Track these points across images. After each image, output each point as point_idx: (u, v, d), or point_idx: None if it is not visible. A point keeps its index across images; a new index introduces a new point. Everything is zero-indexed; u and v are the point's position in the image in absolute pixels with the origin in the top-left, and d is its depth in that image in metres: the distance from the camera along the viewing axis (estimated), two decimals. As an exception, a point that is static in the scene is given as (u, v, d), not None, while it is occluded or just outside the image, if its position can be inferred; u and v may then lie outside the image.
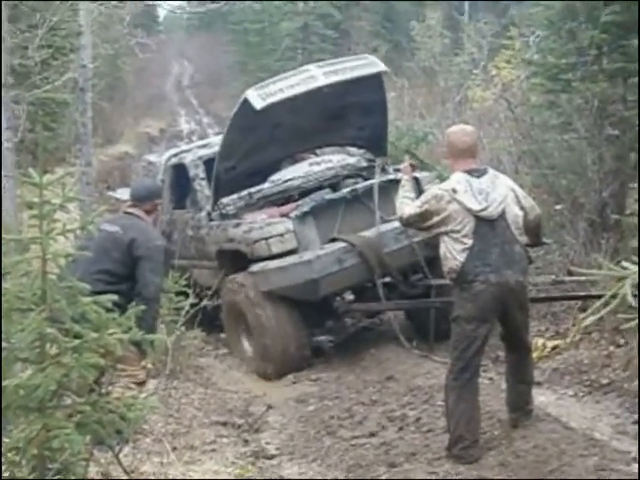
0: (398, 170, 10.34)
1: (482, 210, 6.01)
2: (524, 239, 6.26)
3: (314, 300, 9.34)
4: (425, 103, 20.89)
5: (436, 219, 6.11)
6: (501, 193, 6.10)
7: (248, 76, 34.60)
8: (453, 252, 6.06)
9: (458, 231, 6.03)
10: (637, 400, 6.94)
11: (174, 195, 11.41)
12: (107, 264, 6.96)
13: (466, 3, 35.41)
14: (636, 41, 9.17)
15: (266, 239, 9.32)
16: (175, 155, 11.71)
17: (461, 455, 6.10)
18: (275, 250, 9.30)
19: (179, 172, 11.22)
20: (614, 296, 4.60)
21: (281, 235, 9.31)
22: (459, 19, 32.20)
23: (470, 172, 6.13)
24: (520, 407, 6.45)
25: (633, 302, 4.47)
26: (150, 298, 6.96)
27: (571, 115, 10.30)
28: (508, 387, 6.56)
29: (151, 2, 18.52)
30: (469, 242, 6.01)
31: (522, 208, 6.22)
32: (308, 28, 35.10)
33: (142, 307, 4.95)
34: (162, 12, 58.54)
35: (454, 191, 6.05)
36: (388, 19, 40.19)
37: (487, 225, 6.03)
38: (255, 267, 9.43)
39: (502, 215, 6.07)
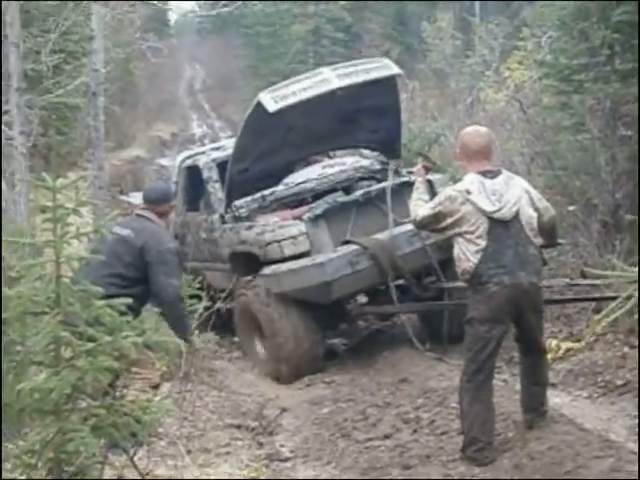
0: (411, 173, 10.35)
1: (496, 211, 5.99)
2: (538, 240, 6.23)
3: (326, 303, 9.33)
4: (437, 105, 20.90)
5: (450, 220, 6.09)
6: (515, 194, 6.07)
7: (260, 80, 34.63)
8: (467, 253, 6.04)
9: (472, 232, 6.01)
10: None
11: (188, 197, 11.43)
12: (119, 268, 6.96)
13: (477, 5, 35.36)
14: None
15: (279, 241, 9.32)
16: (189, 157, 11.72)
17: (475, 457, 6.07)
18: (288, 253, 9.30)
19: (193, 174, 11.23)
20: (629, 297, 4.60)
21: (294, 238, 9.31)
22: (470, 21, 32.21)
23: (484, 173, 6.11)
24: (535, 408, 6.41)
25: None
26: (170, 301, 6.98)
27: (584, 116, 10.28)
28: (522, 388, 6.53)
29: (161, 3, 18.55)
30: (483, 243, 5.98)
31: (536, 209, 6.19)
32: (319, 31, 35.15)
33: (157, 311, 4.96)
34: (173, 16, 58.85)
35: (468, 192, 6.04)
36: (399, 21, 40.17)
37: (501, 226, 6.01)
38: (267, 269, 9.43)
39: (516, 216, 6.04)
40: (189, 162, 11.51)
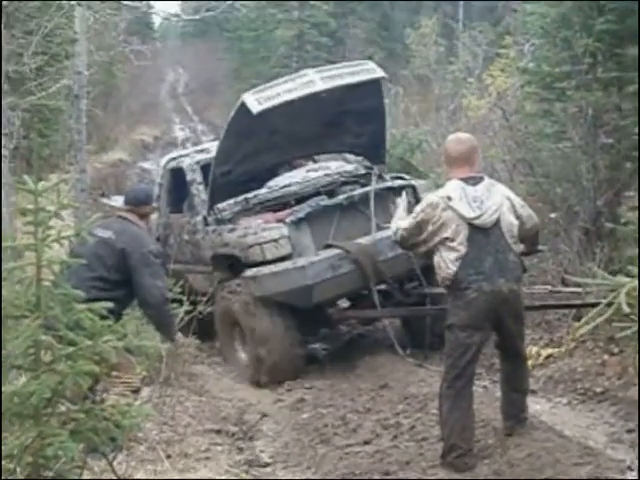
0: (395, 178, 10.37)
1: (476, 218, 5.99)
2: (519, 247, 6.24)
3: (307, 306, 9.33)
4: (420, 111, 20.93)
5: (431, 228, 6.09)
6: (496, 201, 6.08)
7: (243, 83, 34.55)
8: (447, 261, 6.05)
9: (452, 239, 6.01)
10: (633, 408, 6.95)
11: (171, 199, 11.39)
12: (101, 271, 6.93)
13: (461, 11, 35.49)
14: (631, 50, 9.20)
15: (260, 244, 9.30)
16: (174, 159, 11.69)
17: (455, 463, 6.08)
18: (269, 255, 9.28)
19: (177, 176, 11.20)
20: (609, 305, 4.61)
21: (276, 240, 9.29)
22: (454, 27, 32.28)
23: (466, 180, 6.12)
24: (514, 415, 6.42)
25: (628, 311, 4.47)
26: (156, 302, 6.95)
27: (566, 124, 10.32)
28: (502, 395, 6.54)
29: (145, 4, 18.54)
30: (463, 250, 5.99)
31: (518, 217, 6.20)
32: (303, 36, 35.13)
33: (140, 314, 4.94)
34: (157, 19, 58.59)
35: (449, 198, 6.04)
36: (383, 27, 40.22)
37: (481, 233, 6.02)
38: (249, 272, 9.41)
39: (497, 223, 6.05)
40: (173, 164, 11.48)
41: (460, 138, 6.42)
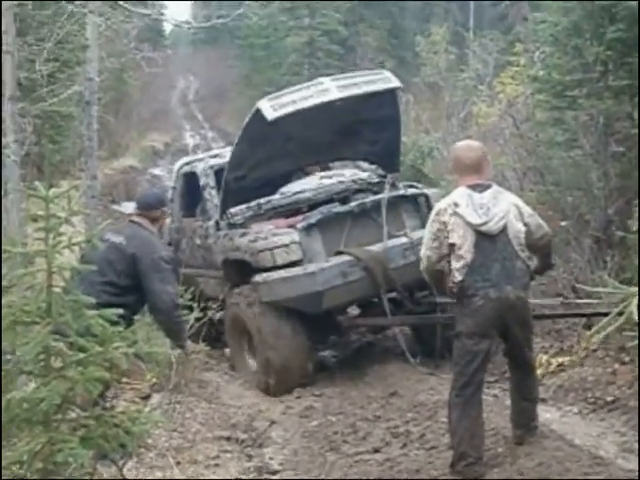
0: (409, 187, 10.34)
1: (482, 224, 5.99)
2: (526, 254, 6.19)
3: (317, 313, 9.31)
4: (430, 118, 20.93)
5: (446, 234, 6.07)
6: (503, 208, 6.07)
7: (253, 90, 34.70)
8: (453, 268, 6.04)
9: (459, 246, 6.00)
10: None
11: (185, 203, 11.38)
12: (112, 276, 6.95)
13: (471, 19, 35.52)
14: (642, 58, 9.20)
15: (271, 249, 9.27)
16: (187, 163, 11.68)
17: (465, 472, 6.05)
18: (280, 261, 9.25)
19: (190, 180, 11.18)
20: (620, 314, 4.60)
21: (286, 246, 9.26)
22: (464, 35, 32.27)
23: (473, 187, 6.11)
24: (524, 424, 6.41)
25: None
26: (166, 308, 6.96)
27: (576, 132, 10.31)
28: (512, 404, 6.52)
29: (156, 13, 18.57)
30: (469, 257, 5.98)
31: (526, 225, 6.17)
32: (314, 43, 35.21)
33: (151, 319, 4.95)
34: (168, 26, 58.71)
35: (456, 205, 6.04)
36: (394, 35, 40.31)
37: (488, 240, 6.01)
38: (259, 277, 9.38)
39: (503, 230, 6.03)
40: (187, 168, 11.46)
41: (471, 145, 6.43)
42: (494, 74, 21.65)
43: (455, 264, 6.02)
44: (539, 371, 8.25)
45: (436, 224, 6.11)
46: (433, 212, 6.23)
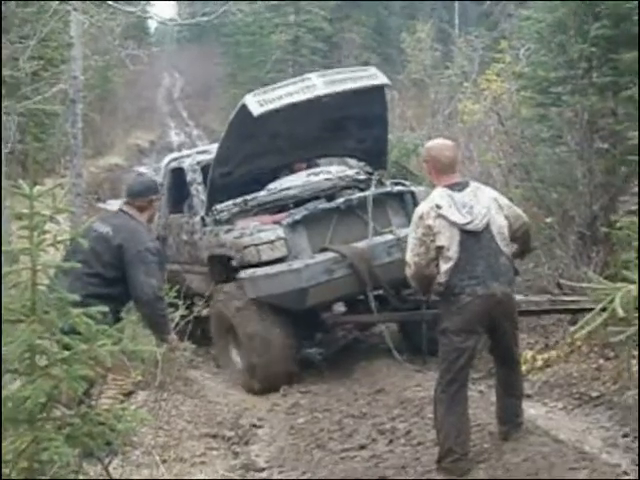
0: (396, 184, 10.34)
1: (468, 223, 5.98)
2: (509, 250, 6.20)
3: (301, 309, 9.31)
4: (415, 115, 20.95)
5: (432, 238, 6.02)
6: (484, 205, 6.07)
7: (238, 88, 34.58)
8: (440, 268, 6.03)
9: (447, 248, 5.99)
10: (629, 412, 6.95)
11: (172, 199, 11.34)
12: (98, 267, 6.88)
13: (456, 16, 35.58)
14: (625, 56, 9.21)
15: (256, 245, 9.25)
16: (175, 159, 11.65)
17: (451, 468, 6.06)
18: (264, 257, 9.23)
19: (178, 176, 11.14)
20: (604, 309, 4.62)
21: (271, 242, 9.25)
22: (449, 32, 32.34)
23: (451, 187, 6.10)
24: (510, 420, 6.41)
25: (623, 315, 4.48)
26: (148, 300, 6.88)
27: (561, 128, 10.34)
28: (498, 400, 6.52)
29: (140, 10, 18.50)
30: (455, 256, 5.97)
31: (506, 217, 6.17)
32: (299, 41, 35.20)
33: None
34: (153, 24, 58.68)
35: (438, 207, 6.01)
36: (379, 32, 40.33)
37: (472, 238, 6.00)
38: (243, 273, 9.37)
39: (487, 227, 6.04)
40: (174, 164, 11.43)
41: (446, 144, 6.39)
42: (479, 71, 21.73)
43: (443, 266, 6.00)
44: (525, 367, 8.27)
45: (420, 229, 6.05)
46: (415, 216, 6.16)
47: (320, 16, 35.49)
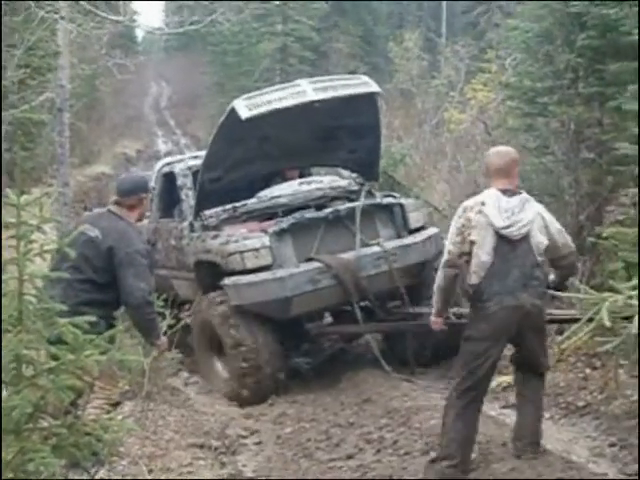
0: (386, 196, 10.30)
1: (504, 228, 5.94)
2: (545, 265, 6.14)
3: (284, 318, 9.26)
4: (402, 125, 20.99)
5: (469, 232, 6.01)
6: (528, 216, 6.02)
7: (226, 97, 34.53)
8: (471, 269, 5.99)
9: (479, 246, 5.95)
10: (615, 422, 6.98)
11: (163, 204, 11.24)
12: (89, 273, 6.76)
13: (443, 26, 35.68)
14: (611, 66, 9.26)
15: (241, 252, 9.19)
16: (168, 164, 11.52)
17: (445, 472, 6.02)
18: (249, 265, 9.17)
19: (169, 181, 11.04)
20: (590, 320, 4.64)
21: (256, 250, 9.18)
22: (437, 41, 32.43)
23: (503, 191, 6.08)
24: (525, 436, 6.26)
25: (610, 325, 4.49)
26: (137, 304, 6.77)
27: (548, 138, 10.38)
28: (521, 415, 6.35)
29: (128, 20, 18.51)
30: (488, 259, 5.94)
31: (550, 239, 6.12)
32: (286, 50, 35.21)
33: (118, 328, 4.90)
34: (140, 33, 58.63)
35: (482, 204, 6.02)
36: (366, 42, 40.41)
37: (508, 245, 5.96)
38: (228, 280, 9.29)
39: (525, 238, 5.99)
40: (166, 169, 11.30)
41: (500, 152, 6.36)
42: (466, 80, 21.79)
43: (473, 266, 5.98)
44: (509, 378, 8.29)
45: (462, 220, 6.05)
46: (460, 208, 6.15)
47: (308, 25, 35.53)
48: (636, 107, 8.16)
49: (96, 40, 21.69)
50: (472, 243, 5.97)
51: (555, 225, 6.24)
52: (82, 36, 18.00)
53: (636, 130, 8.16)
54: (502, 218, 5.96)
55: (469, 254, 5.99)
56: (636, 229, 7.58)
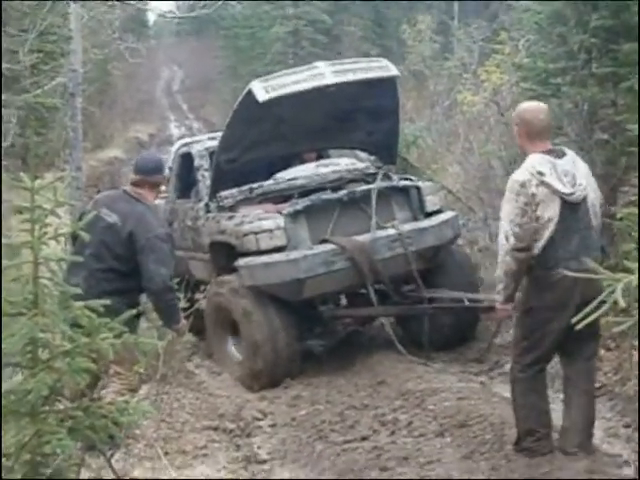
0: (403, 179, 10.25)
1: (571, 194, 5.65)
2: (598, 225, 5.91)
3: (297, 300, 9.22)
4: (415, 107, 20.92)
5: (534, 208, 5.65)
6: (582, 175, 5.76)
7: (238, 81, 34.53)
8: (536, 242, 5.69)
9: (549, 219, 5.65)
10: (630, 403, 6.97)
11: (181, 184, 11.18)
12: (110, 261, 6.76)
13: (456, 7, 35.51)
14: (625, 46, 9.21)
15: (255, 233, 9.13)
16: (185, 144, 11.47)
17: (534, 447, 5.87)
18: (263, 245, 9.12)
19: (186, 162, 11.00)
20: (605, 300, 4.61)
21: (271, 231, 9.13)
22: (449, 23, 32.28)
23: (549, 153, 5.75)
24: (577, 434, 5.96)
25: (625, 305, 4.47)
26: (157, 290, 6.78)
27: (561, 119, 10.31)
28: (567, 407, 6.07)
29: (141, 3, 18.48)
30: (552, 227, 5.65)
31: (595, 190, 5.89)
32: (299, 33, 35.14)
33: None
34: (152, 17, 58.54)
35: (540, 174, 5.64)
36: (378, 24, 40.24)
37: (571, 210, 5.67)
38: (242, 261, 9.25)
39: (584, 199, 5.74)
40: (184, 149, 11.25)
41: (540, 107, 6.00)
42: (479, 62, 21.67)
43: (539, 238, 5.67)
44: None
45: (522, 197, 5.66)
46: (515, 184, 5.72)
47: (319, 8, 35.43)
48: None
49: (108, 24, 21.69)
50: (538, 218, 5.65)
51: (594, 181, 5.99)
52: (94, 20, 18.04)
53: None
54: (564, 184, 5.65)
55: (536, 231, 5.67)
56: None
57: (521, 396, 5.95)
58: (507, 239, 5.74)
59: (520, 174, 5.74)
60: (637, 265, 4.58)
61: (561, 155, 5.78)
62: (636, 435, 6.35)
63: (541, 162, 5.69)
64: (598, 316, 5.17)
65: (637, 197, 8.16)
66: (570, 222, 5.68)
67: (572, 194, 5.66)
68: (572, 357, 6.03)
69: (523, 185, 5.67)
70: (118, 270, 6.76)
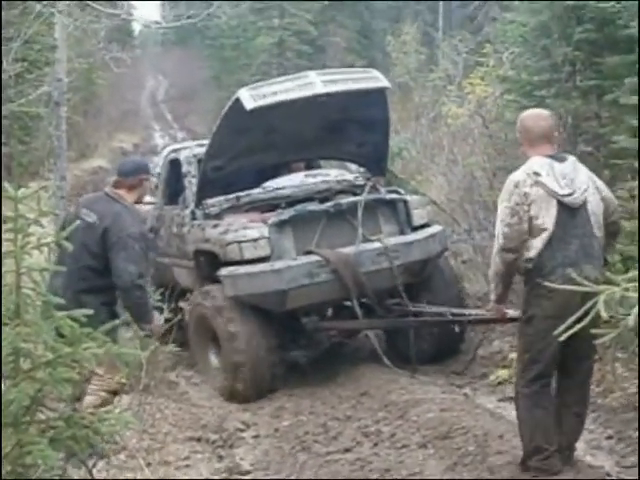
0: (391, 192, 10.23)
1: (567, 195, 5.57)
2: (602, 234, 5.78)
3: (280, 311, 9.16)
4: (400, 118, 20.95)
5: (526, 208, 5.59)
6: (583, 180, 5.68)
7: (223, 91, 34.58)
8: (529, 242, 5.62)
9: (541, 220, 5.58)
10: (612, 415, 7.00)
11: (168, 190, 11.07)
12: (88, 260, 6.79)
13: (440, 19, 35.64)
14: (609, 59, 9.27)
15: (239, 242, 9.07)
16: (174, 150, 11.39)
17: (541, 466, 5.72)
18: (247, 255, 9.05)
19: (174, 168, 10.91)
20: (587, 312, 4.62)
21: (254, 240, 9.06)
22: (434, 36, 32.38)
23: (551, 156, 5.73)
24: (569, 444, 5.94)
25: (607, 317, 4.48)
26: (126, 287, 6.76)
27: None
28: (557, 416, 5.92)
29: (125, 14, 18.48)
30: (549, 230, 5.57)
31: (603, 199, 5.78)
32: (284, 44, 35.19)
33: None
34: (137, 27, 58.49)
35: (536, 174, 5.62)
36: (364, 35, 40.35)
37: (568, 213, 5.59)
38: (224, 270, 9.18)
39: (584, 205, 5.64)
40: (172, 155, 11.17)
41: (541, 114, 6.03)
42: (463, 74, 21.74)
43: (533, 240, 5.61)
44: (507, 371, 8.30)
45: (515, 197, 5.64)
46: (510, 184, 5.72)
47: (305, 19, 35.49)
48: (633, 100, 8.16)
49: (93, 34, 21.63)
50: (531, 219, 5.60)
51: (601, 183, 5.93)
52: (79, 30, 17.97)
53: (634, 123, 8.16)
54: (561, 186, 5.60)
55: (527, 232, 5.62)
56: (633, 222, 7.59)
57: (526, 412, 5.81)
58: (497, 239, 5.74)
59: (517, 174, 5.76)
60: (620, 278, 4.59)
61: (562, 159, 5.76)
62: (618, 447, 6.38)
63: (539, 163, 5.70)
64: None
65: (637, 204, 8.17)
66: (568, 227, 5.62)
67: (569, 196, 5.59)
68: (569, 376, 5.94)
69: (517, 185, 5.67)
70: (95, 268, 6.81)
